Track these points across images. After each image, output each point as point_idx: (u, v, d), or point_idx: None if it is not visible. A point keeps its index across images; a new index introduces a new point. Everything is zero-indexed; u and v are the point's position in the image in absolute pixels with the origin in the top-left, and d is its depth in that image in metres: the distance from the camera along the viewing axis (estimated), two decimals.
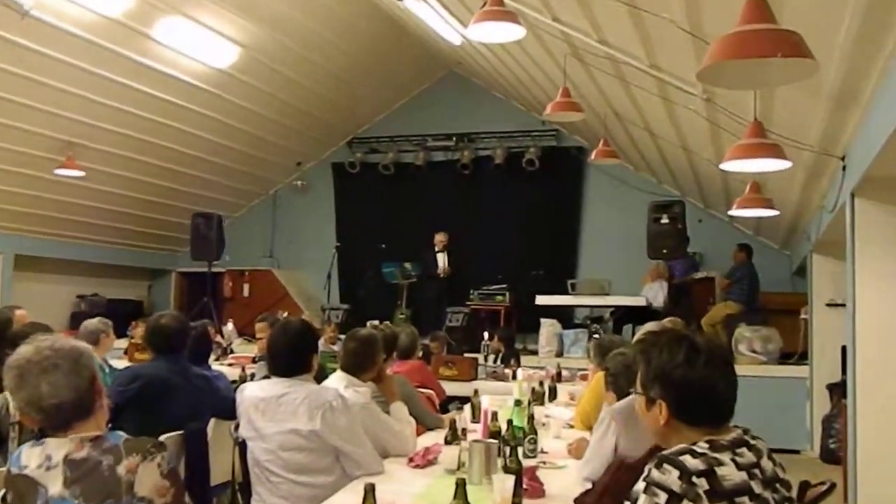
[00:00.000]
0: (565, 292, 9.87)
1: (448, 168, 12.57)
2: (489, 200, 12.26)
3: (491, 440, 2.99)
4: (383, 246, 11.39)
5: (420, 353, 6.37)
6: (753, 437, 1.80)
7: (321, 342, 6.86)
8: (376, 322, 7.71)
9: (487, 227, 12.16)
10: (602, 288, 9.82)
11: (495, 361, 8.22)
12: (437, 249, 10.90)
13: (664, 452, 1.73)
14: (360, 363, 3.56)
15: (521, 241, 11.91)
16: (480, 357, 8.03)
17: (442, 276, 10.79)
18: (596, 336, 8.95)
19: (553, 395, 5.84)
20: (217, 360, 7.60)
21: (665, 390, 1.81)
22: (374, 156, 13.05)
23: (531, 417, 3.72)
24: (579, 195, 12.07)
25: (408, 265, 10.97)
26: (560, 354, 9.49)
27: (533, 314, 9.94)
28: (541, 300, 9.79)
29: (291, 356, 3.14)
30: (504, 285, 10.63)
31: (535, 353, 9.73)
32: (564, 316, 10.29)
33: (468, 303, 10.53)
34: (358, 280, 11.62)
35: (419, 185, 12.64)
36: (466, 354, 8.23)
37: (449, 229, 11.07)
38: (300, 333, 3.18)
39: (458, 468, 3.10)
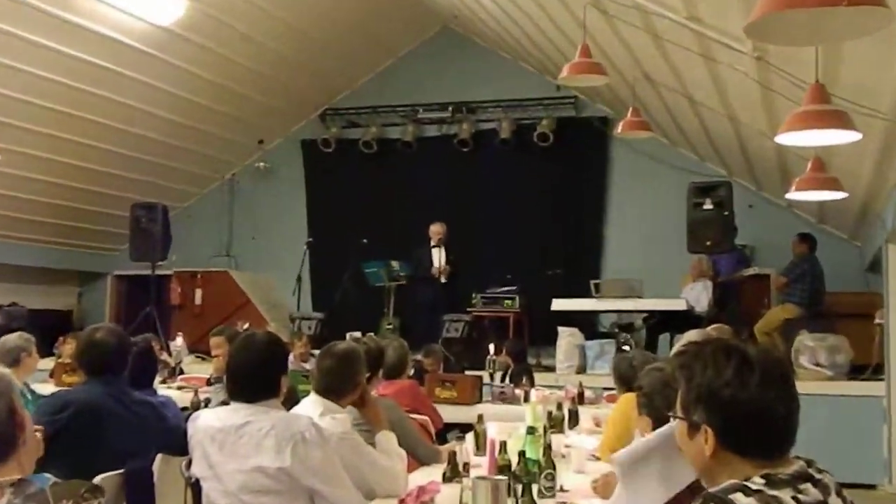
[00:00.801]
0: (588, 295, 9.89)
1: (443, 145, 12.61)
2: (494, 184, 12.27)
3: (499, 477, 2.99)
4: (365, 241, 11.39)
5: (411, 372, 6.34)
6: (819, 471, 1.80)
7: (291, 359, 6.84)
8: (358, 334, 7.68)
9: (493, 217, 12.17)
10: (632, 289, 9.83)
11: (503, 380, 8.22)
12: (432, 244, 10.90)
13: (711, 490, 1.73)
14: (338, 384, 3.56)
15: (533, 233, 11.95)
16: (485, 375, 8.03)
17: (438, 276, 10.79)
18: (624, 349, 8.95)
19: (574, 420, 5.85)
20: (164, 382, 7.59)
21: (711, 414, 1.81)
22: (353, 130, 13.07)
23: (548, 448, 3.72)
24: (603, 176, 12.10)
25: (395, 264, 10.98)
26: (582, 371, 9.51)
27: (549, 322, 9.96)
28: (558, 305, 9.80)
29: (255, 377, 3.14)
30: (513, 287, 10.65)
31: (551, 369, 9.74)
32: (587, 324, 10.32)
33: (470, 309, 10.56)
34: (335, 283, 11.63)
35: (408, 165, 12.66)
36: (468, 372, 8.23)
37: (446, 219, 11.09)
38: (265, 349, 3.18)
39: None
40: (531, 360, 9.50)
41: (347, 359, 3.61)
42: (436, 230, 10.93)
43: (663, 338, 9.77)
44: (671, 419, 1.95)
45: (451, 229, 11.06)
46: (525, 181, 12.14)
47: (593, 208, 12.08)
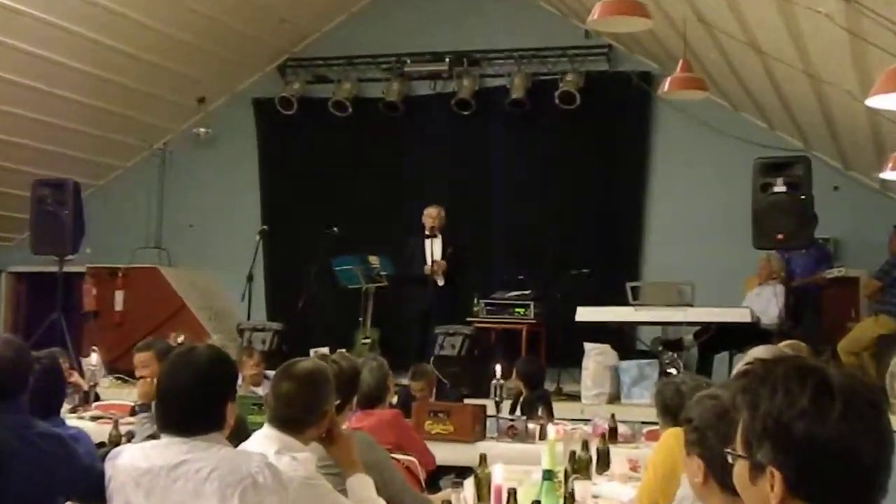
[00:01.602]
0: (623, 302, 9.89)
1: (438, 107, 12.63)
2: (503, 157, 12.30)
3: None
4: (336, 230, 11.37)
5: (394, 399, 6.32)
6: None
7: (239, 382, 6.85)
8: (325, 350, 7.67)
9: (501, 200, 12.19)
10: (681, 295, 9.82)
11: (513, 411, 8.23)
12: (426, 233, 10.89)
13: None
14: (299, 414, 3.56)
15: (553, 221, 11.98)
16: (490, 404, 8.04)
17: (432, 276, 10.76)
18: (669, 372, 8.93)
19: (604, 463, 5.85)
20: (74, 410, 7.59)
21: (779, 452, 1.82)
22: (321, 87, 13.09)
23: (570, 498, 3.73)
24: (645, 149, 12.12)
25: (375, 260, 10.95)
26: (615, 400, 9.49)
27: (572, 337, 9.94)
28: (584, 315, 9.80)
29: (192, 404, 3.14)
30: (528, 291, 10.64)
31: (575, 397, 9.72)
32: (622, 340, 10.34)
33: (471, 319, 10.55)
34: (296, 285, 11.61)
35: (393, 133, 12.69)
36: (467, 400, 8.21)
37: (443, 202, 11.10)
38: (206, 369, 3.18)
39: None
40: (549, 386, 9.48)
41: (312, 381, 3.61)
42: (432, 215, 10.86)
43: (720, 358, 9.79)
44: (729, 459, 1.96)
45: (448, 216, 11.05)
46: (543, 155, 12.17)
47: (631, 190, 12.11)
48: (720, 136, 11.52)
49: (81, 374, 8.58)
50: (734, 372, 3.29)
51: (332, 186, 12.68)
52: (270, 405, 3.64)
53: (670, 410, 4.53)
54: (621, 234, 12.05)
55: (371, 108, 12.75)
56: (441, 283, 10.72)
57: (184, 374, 3.18)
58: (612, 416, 7.41)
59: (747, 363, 2.35)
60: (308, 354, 7.19)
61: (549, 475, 4.03)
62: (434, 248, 10.76)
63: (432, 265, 10.65)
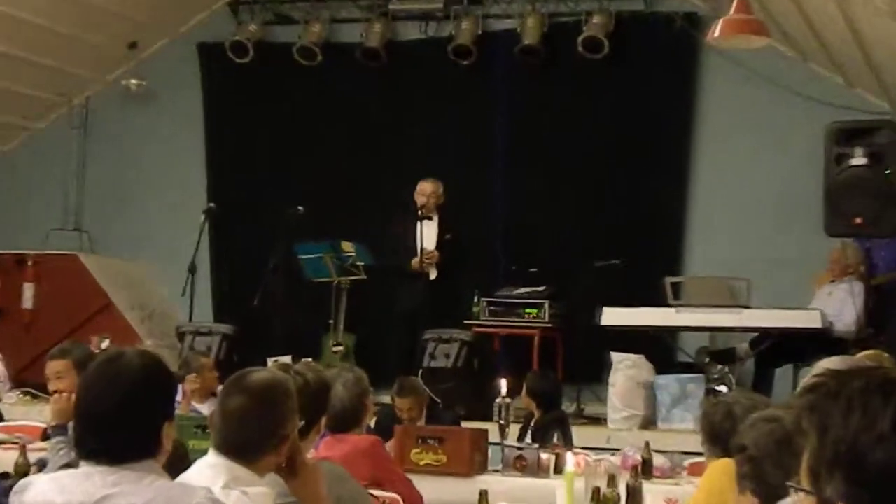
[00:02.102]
0: (661, 302, 9.94)
1: (431, 55, 12.61)
2: (511, 119, 12.28)
3: None
4: (301, 209, 11.36)
5: (373, 422, 6.30)
6: None
7: (179, 398, 6.83)
8: (286, 360, 7.68)
9: (509, 173, 12.17)
10: (733, 294, 9.84)
11: (522, 437, 8.24)
12: (419, 214, 10.86)
13: None
14: (252, 438, 3.55)
15: (574, 200, 12.00)
16: (493, 429, 8.03)
17: (422, 269, 10.74)
18: (719, 389, 8.93)
19: (636, 503, 5.88)
20: None
21: (854, 486, 1.82)
22: (284, 30, 13.08)
23: None
24: (689, 110, 12.08)
25: (350, 247, 10.95)
26: (650, 424, 9.55)
27: (596, 345, 10.00)
28: (612, 317, 9.85)
29: (120, 425, 3.13)
30: (541, 288, 10.68)
31: (600, 420, 9.78)
32: (659, 349, 10.37)
33: (470, 322, 10.59)
34: (250, 277, 11.61)
35: (375, 87, 12.67)
36: (465, 423, 8.25)
37: (442, 176, 11.08)
38: (138, 381, 3.17)
39: None
40: (567, 407, 9.52)
41: (269, 397, 3.60)
42: (425, 193, 10.86)
43: (782, 373, 9.83)
44: (791, 495, 1.96)
45: (449, 193, 11.08)
46: (561, 117, 12.16)
47: (671, 161, 12.10)
48: (784, 93, 11.50)
49: None
50: (800, 386, 3.30)
51: (296, 155, 12.71)
52: (217, 427, 3.62)
53: (719, 437, 4.54)
54: (659, 217, 12.04)
55: (346, 56, 12.70)
56: (433, 275, 10.70)
57: (109, 389, 3.17)
58: (647, 444, 7.38)
59: (816, 375, 2.35)
60: (265, 364, 7.18)
61: None
62: (428, 233, 10.75)
63: (421, 257, 10.59)
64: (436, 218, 10.84)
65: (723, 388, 9.04)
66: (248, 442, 3.57)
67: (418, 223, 10.73)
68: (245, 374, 3.70)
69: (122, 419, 3.16)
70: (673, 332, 10.55)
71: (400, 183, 11.23)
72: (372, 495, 4.84)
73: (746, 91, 11.72)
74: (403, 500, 5.52)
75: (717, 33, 8.27)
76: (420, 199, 10.79)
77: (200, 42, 13.41)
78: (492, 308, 10.65)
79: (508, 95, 12.36)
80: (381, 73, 12.72)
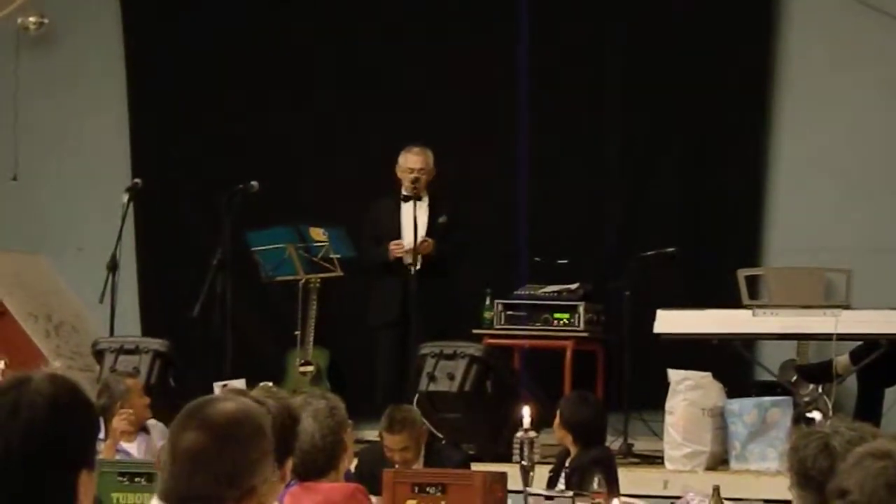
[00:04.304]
0: (734, 302, 9.95)
1: None
2: (537, 66, 12.30)
3: None
4: (255, 184, 11.36)
5: (354, 464, 6.27)
6: None
7: (101, 436, 6.80)
8: (239, 384, 7.68)
9: (532, 141, 12.20)
10: (829, 290, 9.89)
11: (554, 483, 8.27)
12: (403, 193, 10.93)
13: None
14: (208, 487, 3.54)
15: (617, 173, 12.07)
16: (513, 472, 8.03)
17: (412, 261, 10.75)
18: (811, 416, 8.92)
19: None
20: None
21: None
22: None
23: None
24: (766, 44, 12.07)
25: (319, 234, 10.98)
26: (721, 462, 9.61)
27: (649, 359, 10.10)
28: (669, 322, 9.90)
29: (22, 474, 3.11)
30: (574, 286, 10.78)
31: (655, 459, 9.84)
32: (732, 364, 10.43)
33: (479, 331, 10.69)
34: (190, 276, 11.63)
35: (349, 26, 12.71)
36: (476, 465, 8.31)
37: (433, 142, 11.09)
38: (45, 418, 3.14)
39: None
40: (612, 442, 9.51)
41: (234, 435, 3.57)
42: (412, 165, 10.93)
43: (894, 392, 9.87)
44: None
45: (439, 164, 11.08)
46: (600, 66, 12.22)
47: (744, 114, 12.14)
48: (890, 35, 11.54)
49: None
50: None
51: (248, 113, 12.76)
52: (165, 469, 3.61)
53: (813, 479, 4.54)
54: (727, 190, 12.08)
55: None
56: (415, 268, 10.64)
57: (6, 427, 3.15)
58: (716, 490, 7.42)
59: None
60: (211, 391, 7.16)
61: None
62: (417, 217, 10.76)
63: (414, 244, 10.59)
64: (426, 198, 10.87)
65: (816, 415, 9.04)
66: (202, 492, 3.55)
67: (403, 204, 10.85)
68: (206, 402, 3.65)
69: (24, 467, 3.13)
70: (749, 341, 10.57)
71: (384, 149, 11.28)
72: None
73: (842, 21, 11.74)
74: None
75: None
76: (406, 175, 10.83)
77: None
78: (509, 313, 10.69)
79: (531, 30, 12.34)
80: (356, 8, 12.76)
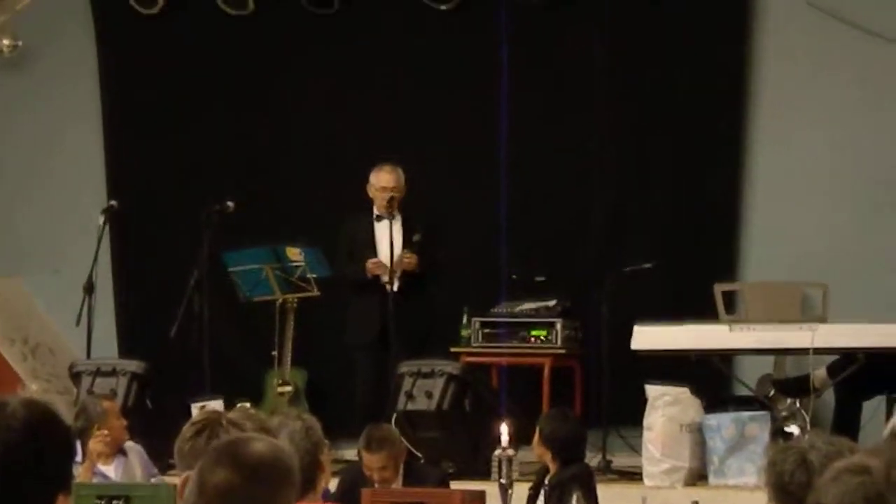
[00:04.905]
0: (711, 317, 9.93)
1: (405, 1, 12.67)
2: (515, 80, 12.23)
3: None
4: (231, 204, 11.35)
5: (333, 483, 6.27)
6: None
7: (78, 459, 6.78)
8: (216, 405, 7.68)
9: (510, 152, 12.14)
10: (806, 305, 9.89)
11: (534, 500, 8.26)
12: (375, 213, 10.95)
13: None
14: None
15: (595, 184, 12.03)
16: (492, 490, 8.03)
17: (388, 279, 10.74)
18: (789, 430, 8.93)
19: None
20: None
21: None
22: None
23: None
24: (744, 54, 12.04)
25: (296, 253, 10.96)
26: (700, 478, 9.60)
27: (627, 375, 10.09)
28: (646, 338, 9.89)
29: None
30: (552, 302, 10.78)
31: (633, 475, 9.86)
32: (710, 378, 10.44)
33: (458, 349, 10.69)
34: (167, 296, 11.60)
35: (325, 43, 12.68)
36: (455, 483, 8.30)
37: (407, 160, 11.11)
38: (22, 440, 3.10)
39: None
40: (590, 459, 9.47)
41: (266, 477, 3.56)
42: (385, 183, 10.93)
43: (871, 405, 9.85)
44: None
45: (416, 180, 11.10)
46: (579, 73, 12.20)
47: (722, 128, 12.12)
48: (871, 35, 11.49)
49: None
50: (888, 428, 3.32)
51: (223, 134, 12.75)
52: (191, 502, 3.60)
53: (791, 494, 4.55)
54: (705, 204, 12.07)
55: (287, 2, 12.73)
56: (396, 286, 10.63)
57: None
58: None
59: None
60: (188, 411, 7.14)
61: None
62: (390, 236, 10.76)
63: (390, 262, 10.60)
64: (399, 216, 10.89)
65: (794, 429, 9.05)
66: None
67: (376, 223, 10.86)
68: (239, 441, 3.65)
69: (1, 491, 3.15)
70: (727, 356, 10.59)
71: (356, 170, 11.23)
72: None
73: (825, 34, 11.71)
74: None
75: None
76: (379, 194, 10.84)
77: None
78: (487, 330, 10.67)
79: (507, 50, 12.29)
80: (332, 24, 12.71)
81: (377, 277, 10.74)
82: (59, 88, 13.34)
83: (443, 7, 12.40)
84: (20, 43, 13.20)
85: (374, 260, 10.71)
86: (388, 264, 10.66)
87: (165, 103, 13.06)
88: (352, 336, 11.01)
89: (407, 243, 10.76)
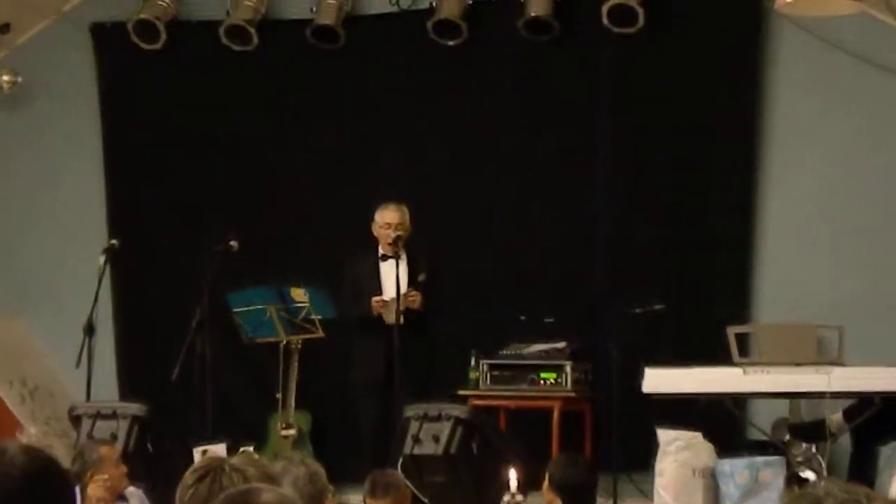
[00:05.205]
0: (724, 360, 9.88)
1: (404, 33, 12.67)
2: (515, 119, 12.31)
3: None
4: (234, 243, 11.32)
5: None
6: None
7: None
8: (219, 449, 7.61)
9: (512, 191, 12.20)
10: (822, 348, 9.85)
11: None
12: (380, 252, 10.93)
13: None
14: None
15: (602, 224, 11.99)
16: None
17: (393, 321, 10.69)
18: (804, 475, 8.84)
19: None
20: None
21: None
22: (206, 4, 13.08)
23: None
24: (754, 95, 12.00)
25: (300, 294, 10.94)
26: None
27: (637, 419, 10.05)
28: (658, 381, 9.80)
29: None
30: (561, 344, 10.75)
31: None
32: (723, 423, 10.38)
33: (465, 392, 10.66)
34: (169, 338, 11.55)
35: (330, 78, 12.72)
36: None
37: (420, 193, 10.99)
38: (20, 488, 3.10)
39: None
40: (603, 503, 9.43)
41: None
42: (390, 222, 10.91)
43: (890, 452, 9.66)
44: None
45: (421, 219, 11.08)
46: (581, 111, 12.18)
47: (733, 166, 12.07)
48: (882, 70, 11.49)
49: None
50: None
51: (226, 172, 12.74)
52: None
53: None
54: (717, 244, 12.03)
55: (292, 36, 12.77)
56: (398, 324, 10.54)
57: None
58: None
59: None
60: (191, 455, 7.06)
61: None
62: (399, 276, 10.71)
63: (395, 302, 10.55)
64: (404, 255, 10.85)
65: (810, 475, 8.97)
66: None
67: (381, 263, 10.87)
68: (248, 492, 3.62)
69: None
70: (740, 400, 10.54)
71: (365, 205, 11.18)
72: None
73: (830, 68, 11.69)
74: None
75: None
76: (383, 232, 10.84)
77: (94, 23, 13.35)
78: (495, 373, 10.66)
79: (509, 85, 12.37)
80: (338, 59, 12.72)
81: (381, 316, 10.69)
82: (60, 125, 13.38)
83: (450, 42, 12.38)
84: (20, 79, 13.21)
85: (378, 298, 10.67)
86: (397, 302, 10.60)
87: (168, 140, 13.09)
88: (357, 376, 11.02)
89: (412, 282, 10.76)
